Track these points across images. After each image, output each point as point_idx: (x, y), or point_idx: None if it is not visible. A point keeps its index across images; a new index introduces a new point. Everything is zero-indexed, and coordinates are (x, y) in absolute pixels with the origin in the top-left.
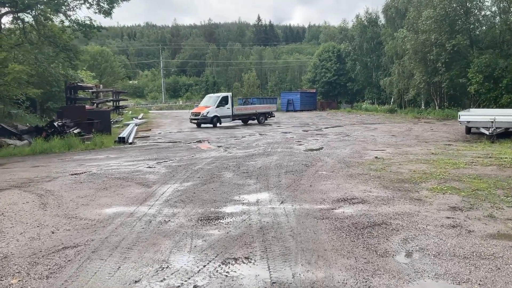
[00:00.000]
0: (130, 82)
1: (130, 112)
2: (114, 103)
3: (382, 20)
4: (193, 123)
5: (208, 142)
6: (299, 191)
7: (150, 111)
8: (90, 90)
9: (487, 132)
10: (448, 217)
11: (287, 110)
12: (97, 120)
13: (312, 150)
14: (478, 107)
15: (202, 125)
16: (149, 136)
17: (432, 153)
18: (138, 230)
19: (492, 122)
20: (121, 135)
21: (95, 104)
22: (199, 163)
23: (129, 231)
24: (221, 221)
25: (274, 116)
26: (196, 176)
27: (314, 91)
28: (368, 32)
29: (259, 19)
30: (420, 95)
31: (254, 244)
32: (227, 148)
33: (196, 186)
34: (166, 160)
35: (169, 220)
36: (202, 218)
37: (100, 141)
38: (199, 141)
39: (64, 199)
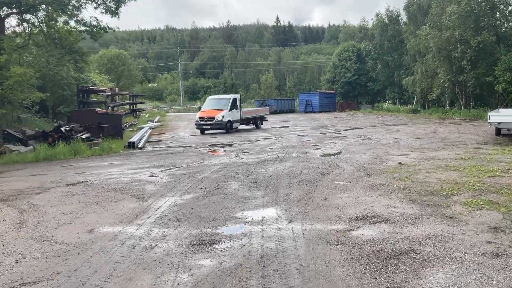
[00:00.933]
0: (150, 85)
1: (147, 115)
2: (131, 106)
3: (403, 17)
4: (204, 129)
5: (221, 147)
6: (312, 206)
7: (167, 114)
8: (103, 94)
9: None
10: (489, 242)
11: (306, 112)
12: (108, 124)
13: (329, 155)
14: (506, 106)
15: (209, 131)
16: (161, 140)
17: (462, 158)
18: (117, 259)
19: None
20: (131, 140)
21: (109, 108)
22: (206, 170)
23: (105, 261)
24: (216, 246)
25: (267, 120)
26: (199, 186)
27: (334, 91)
28: (389, 30)
29: (277, 20)
30: (445, 95)
31: (251, 281)
32: (239, 153)
33: (196, 200)
34: (172, 167)
35: (156, 245)
36: (195, 243)
37: (108, 147)
38: (212, 146)
39: (47, 216)
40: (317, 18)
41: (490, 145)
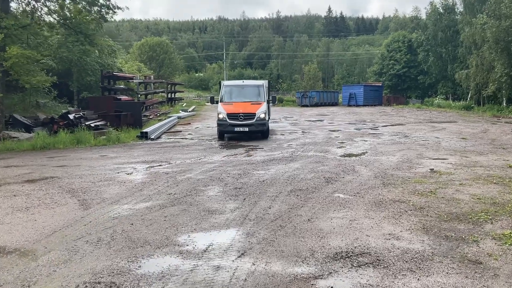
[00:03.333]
0: (196, 74)
1: (185, 104)
2: (170, 94)
3: (459, 7)
4: (237, 132)
5: (237, 140)
6: (285, 231)
7: (207, 104)
8: (131, 81)
9: None
10: None
11: (349, 105)
12: (126, 113)
13: (351, 155)
14: None
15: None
16: (181, 131)
17: (510, 166)
18: None
19: None
20: (145, 130)
21: (140, 96)
22: (196, 169)
23: None
24: None
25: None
26: (168, 191)
27: (380, 84)
28: (443, 20)
29: (329, 10)
30: (502, 91)
31: None
32: (250, 149)
33: (148, 211)
34: (162, 163)
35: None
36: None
37: (116, 137)
38: (229, 140)
39: None
40: (374, 9)
41: None
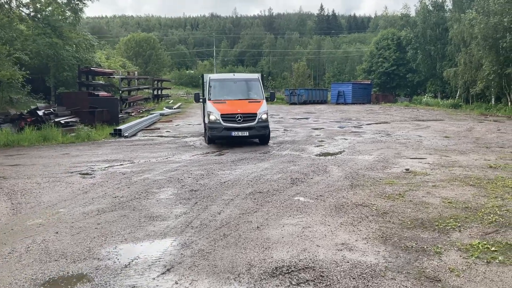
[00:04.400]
0: (187, 71)
1: (171, 101)
2: (156, 91)
3: (448, 4)
4: (234, 137)
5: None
6: (227, 240)
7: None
8: (113, 77)
9: None
10: None
11: (337, 103)
12: (102, 109)
13: (326, 154)
14: None
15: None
16: (159, 129)
17: (491, 166)
18: None
19: None
20: (119, 127)
21: (123, 92)
22: (157, 169)
23: None
24: None
25: None
26: (116, 194)
27: (369, 82)
28: (432, 18)
29: (321, 8)
30: (490, 89)
31: None
32: (223, 148)
33: (83, 217)
34: (124, 162)
35: None
36: None
37: (86, 134)
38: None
39: None
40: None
41: None
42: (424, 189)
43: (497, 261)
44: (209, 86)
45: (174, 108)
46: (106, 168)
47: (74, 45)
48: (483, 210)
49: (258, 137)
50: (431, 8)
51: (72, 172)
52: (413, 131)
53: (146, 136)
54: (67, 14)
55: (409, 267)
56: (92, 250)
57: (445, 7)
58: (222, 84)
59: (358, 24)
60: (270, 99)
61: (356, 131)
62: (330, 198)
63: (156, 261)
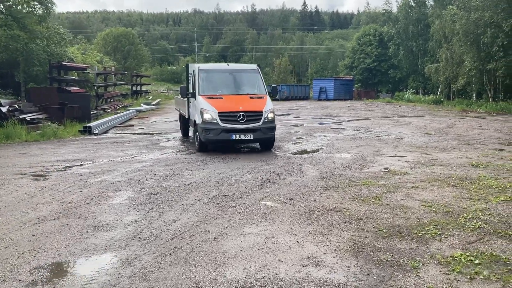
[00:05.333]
0: (169, 67)
1: (150, 97)
2: (135, 87)
3: (430, 0)
4: (235, 141)
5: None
6: (176, 255)
7: (176, 97)
8: (87, 72)
9: None
10: None
11: (319, 99)
12: (72, 105)
13: (303, 152)
14: None
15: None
16: (133, 125)
17: (473, 165)
18: None
19: None
20: (90, 124)
21: (99, 88)
22: (118, 170)
23: None
24: None
25: None
26: (64, 199)
27: (351, 78)
28: (414, 13)
29: (304, 4)
30: (471, 85)
31: None
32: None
33: (19, 227)
34: (85, 162)
35: None
36: None
37: (52, 131)
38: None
39: None
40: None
41: None
42: (402, 191)
43: (481, 277)
44: (198, 78)
45: (153, 104)
46: (64, 169)
47: (45, 39)
48: (465, 214)
49: (264, 141)
50: (412, 4)
51: (25, 174)
52: (394, 128)
53: (118, 133)
54: (34, 5)
55: (382, 286)
56: (16, 269)
57: (427, 2)
58: (215, 76)
59: (341, 21)
60: (272, 94)
61: (336, 128)
62: (301, 202)
63: (86, 284)
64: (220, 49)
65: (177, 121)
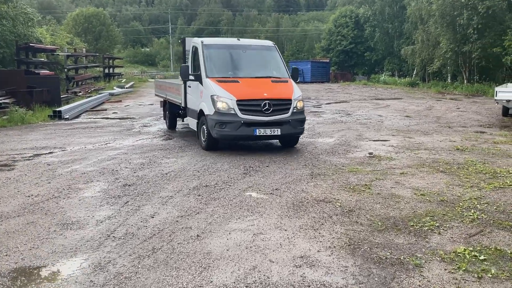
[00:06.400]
0: (142, 49)
1: (124, 80)
2: (108, 69)
3: None
4: (259, 137)
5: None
6: (156, 257)
7: (151, 80)
8: (57, 53)
9: None
10: None
11: (296, 82)
12: (41, 89)
13: None
14: None
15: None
16: (106, 110)
17: (457, 149)
18: None
19: None
20: (59, 109)
21: (69, 70)
22: (90, 158)
23: None
24: None
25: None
26: (30, 192)
27: (328, 60)
28: None
29: None
30: (446, 67)
31: None
32: (172, 133)
33: None
34: (54, 150)
35: None
36: None
37: (19, 116)
38: (158, 120)
39: None
40: None
41: (496, 128)
42: (391, 178)
43: (490, 275)
44: (203, 56)
45: (126, 88)
46: (31, 158)
47: (11, 19)
48: (461, 204)
49: (292, 136)
50: None
51: None
52: (373, 111)
53: (90, 118)
54: None
55: None
56: None
57: None
58: (225, 54)
59: (317, 2)
60: (293, 78)
61: (316, 111)
62: (288, 193)
63: None
64: (194, 30)
65: (152, 104)
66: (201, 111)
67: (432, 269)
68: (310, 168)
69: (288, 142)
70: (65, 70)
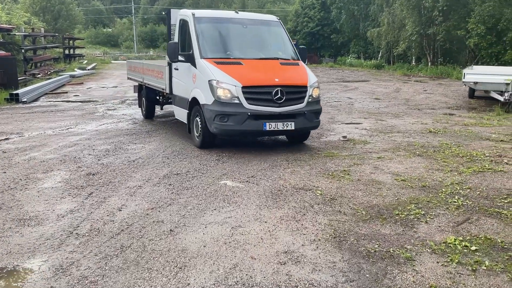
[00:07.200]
0: (104, 30)
1: (85, 61)
2: (68, 50)
3: None
4: (269, 132)
5: (130, 105)
6: (125, 257)
7: (114, 62)
8: (13, 33)
9: (501, 98)
10: None
11: None
12: None
13: None
14: (477, 64)
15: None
16: (67, 92)
17: (430, 131)
18: None
19: (509, 84)
20: (16, 92)
21: (26, 51)
22: (51, 144)
23: None
24: None
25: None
26: None
27: (295, 42)
28: None
29: None
30: (411, 49)
31: None
32: (141, 116)
33: None
34: (11, 136)
35: None
36: None
37: None
38: (122, 103)
39: None
40: None
41: (464, 110)
42: (369, 163)
43: (484, 268)
44: (195, 32)
45: (88, 69)
46: None
47: None
48: (443, 189)
49: (305, 131)
50: None
51: None
52: (343, 93)
53: (50, 101)
54: None
55: (376, 285)
56: None
57: None
58: (221, 29)
59: None
60: (301, 59)
61: None
62: (264, 180)
63: None
64: (158, 10)
65: (116, 87)
66: (194, 100)
67: (424, 262)
68: (285, 153)
69: (297, 138)
70: (22, 51)
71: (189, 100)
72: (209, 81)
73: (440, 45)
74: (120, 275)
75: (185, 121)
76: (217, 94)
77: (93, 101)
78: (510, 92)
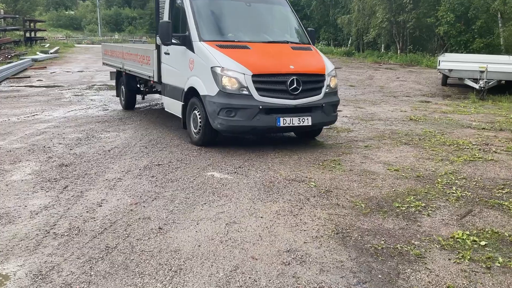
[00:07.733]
0: (66, 12)
1: (47, 45)
2: (29, 33)
3: None
4: (282, 128)
5: (97, 91)
6: (111, 259)
7: (77, 45)
8: None
9: (475, 86)
10: None
11: None
12: None
13: None
14: (446, 51)
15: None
16: (29, 77)
17: (411, 119)
18: None
19: (483, 72)
20: None
21: None
22: (16, 132)
23: None
24: None
25: None
26: None
27: None
28: None
29: None
30: (381, 37)
31: None
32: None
33: None
34: None
35: None
36: None
37: None
38: (89, 88)
39: None
40: None
41: (439, 98)
42: (358, 152)
43: (498, 264)
44: (191, 10)
45: (51, 53)
46: None
47: None
48: (439, 179)
49: (321, 126)
50: None
51: None
52: None
53: (11, 86)
54: None
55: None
56: None
57: None
58: (222, 7)
59: None
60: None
61: None
62: (253, 171)
63: None
64: None
65: (82, 72)
66: (192, 90)
67: (436, 259)
68: (270, 141)
69: (309, 134)
70: None
71: (185, 90)
72: (211, 68)
73: (410, 33)
74: (108, 281)
75: (179, 115)
76: (222, 84)
77: (58, 86)
78: (484, 80)
